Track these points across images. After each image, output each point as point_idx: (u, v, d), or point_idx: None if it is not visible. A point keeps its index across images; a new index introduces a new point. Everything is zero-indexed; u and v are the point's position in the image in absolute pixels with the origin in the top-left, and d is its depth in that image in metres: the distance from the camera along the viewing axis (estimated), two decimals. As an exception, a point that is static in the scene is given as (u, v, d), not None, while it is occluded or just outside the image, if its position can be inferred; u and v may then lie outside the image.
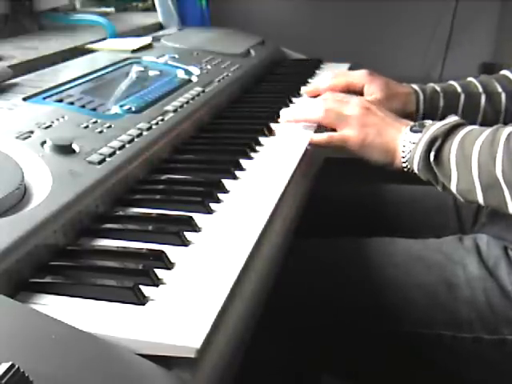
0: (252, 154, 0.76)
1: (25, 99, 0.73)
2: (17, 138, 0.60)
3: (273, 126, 0.87)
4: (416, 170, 0.74)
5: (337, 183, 1.03)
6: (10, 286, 0.44)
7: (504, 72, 0.97)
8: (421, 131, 0.74)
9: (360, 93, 0.94)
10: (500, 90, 0.94)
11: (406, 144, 0.75)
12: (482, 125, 0.91)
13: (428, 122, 0.75)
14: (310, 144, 0.80)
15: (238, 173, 0.69)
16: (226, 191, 0.64)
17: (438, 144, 0.71)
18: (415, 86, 0.96)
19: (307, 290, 0.75)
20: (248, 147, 0.76)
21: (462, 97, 0.94)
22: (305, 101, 0.91)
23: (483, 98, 0.94)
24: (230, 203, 0.62)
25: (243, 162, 0.72)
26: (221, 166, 0.71)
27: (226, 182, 0.66)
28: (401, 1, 1.75)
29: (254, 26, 1.49)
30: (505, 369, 0.71)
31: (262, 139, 0.81)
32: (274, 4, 1.83)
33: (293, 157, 0.75)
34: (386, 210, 0.97)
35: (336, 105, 0.83)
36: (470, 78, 0.97)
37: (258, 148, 0.78)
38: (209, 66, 1.01)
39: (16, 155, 0.56)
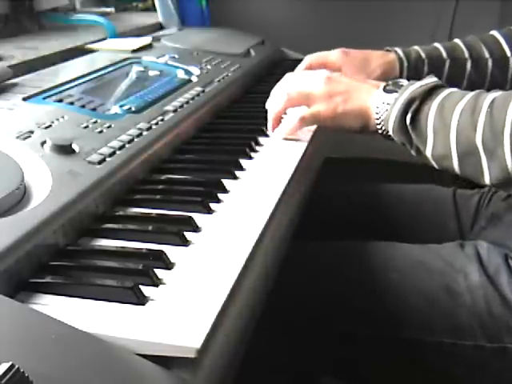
0: (252, 154, 0.76)
1: (25, 99, 0.73)
2: (17, 137, 0.60)
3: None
4: (390, 132, 0.71)
5: (337, 183, 1.03)
6: (9, 286, 0.44)
7: (493, 32, 0.94)
8: (396, 91, 0.71)
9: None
10: (487, 55, 0.91)
11: (380, 105, 0.72)
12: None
13: (403, 82, 0.72)
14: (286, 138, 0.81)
15: (238, 173, 0.69)
16: (226, 191, 0.64)
17: (415, 106, 0.67)
18: (399, 52, 0.94)
19: (307, 291, 0.75)
20: (248, 147, 0.76)
21: (448, 63, 0.92)
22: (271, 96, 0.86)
23: (469, 64, 0.91)
24: (230, 203, 0.62)
25: (243, 162, 0.72)
26: (221, 166, 0.71)
27: (226, 182, 0.66)
28: (401, 1, 1.75)
29: (254, 26, 1.48)
30: (506, 377, 0.70)
31: (261, 139, 0.81)
32: (274, 4, 1.83)
33: (293, 157, 0.75)
34: (385, 211, 0.96)
35: (297, 84, 0.80)
36: (457, 41, 0.95)
37: (257, 148, 0.78)
38: (209, 66, 1.02)
39: (16, 155, 0.56)
